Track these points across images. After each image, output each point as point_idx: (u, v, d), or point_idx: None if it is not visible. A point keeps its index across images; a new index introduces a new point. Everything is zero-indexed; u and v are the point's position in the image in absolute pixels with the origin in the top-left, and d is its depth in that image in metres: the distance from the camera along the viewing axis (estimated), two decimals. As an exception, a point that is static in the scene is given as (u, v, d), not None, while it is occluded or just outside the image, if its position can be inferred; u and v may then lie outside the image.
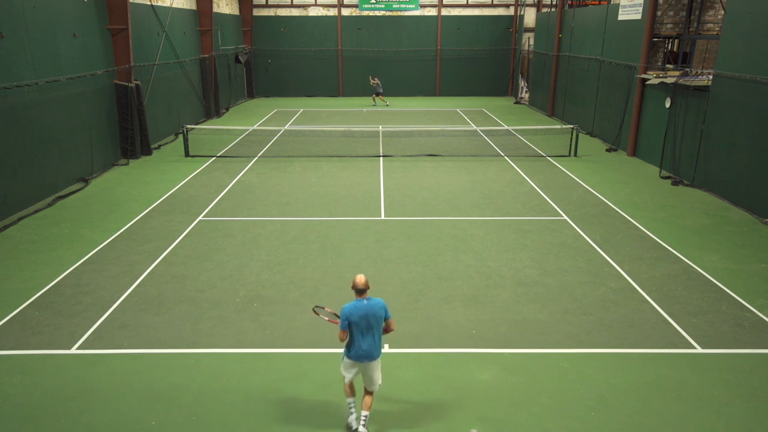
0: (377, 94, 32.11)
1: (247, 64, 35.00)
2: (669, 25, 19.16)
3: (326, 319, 6.20)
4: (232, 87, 32.10)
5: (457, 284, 9.57)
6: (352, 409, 6.15)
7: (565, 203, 14.04)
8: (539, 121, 26.99)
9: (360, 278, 5.82)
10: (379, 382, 6.10)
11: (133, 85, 18.35)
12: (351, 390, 6.15)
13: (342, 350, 6.09)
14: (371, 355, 5.86)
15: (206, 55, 26.86)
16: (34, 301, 8.97)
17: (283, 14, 35.73)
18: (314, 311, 6.25)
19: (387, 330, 6.02)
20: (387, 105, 32.31)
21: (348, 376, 6.02)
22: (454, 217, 13.01)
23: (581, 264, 10.39)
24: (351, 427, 6.10)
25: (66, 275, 9.88)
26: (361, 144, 21.17)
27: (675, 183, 15.90)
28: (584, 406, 6.52)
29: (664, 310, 8.70)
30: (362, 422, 5.99)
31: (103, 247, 11.16)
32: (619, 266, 10.29)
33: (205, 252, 10.92)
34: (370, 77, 32.89)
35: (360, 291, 5.80)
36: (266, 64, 36.36)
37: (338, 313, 5.98)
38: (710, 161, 15.12)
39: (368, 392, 6.08)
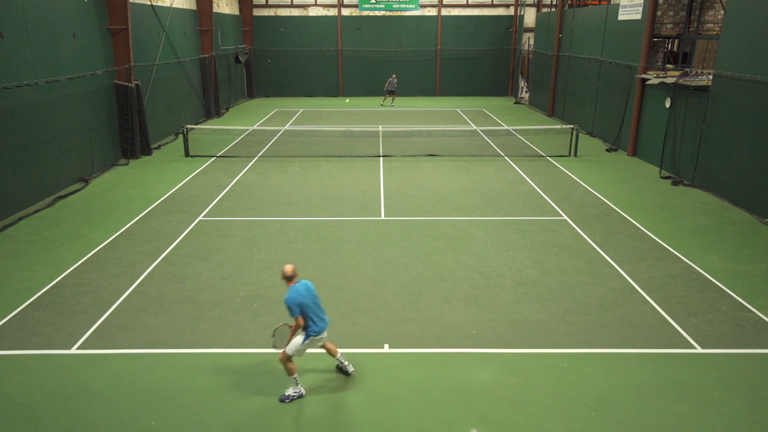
0: (390, 93, 31.98)
1: (247, 64, 35.00)
2: (669, 25, 19.17)
3: (288, 330, 6.73)
4: (232, 87, 32.10)
5: (457, 284, 9.57)
6: (297, 381, 6.73)
7: (565, 203, 14.04)
8: (539, 121, 26.99)
9: (289, 266, 6.55)
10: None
11: (133, 85, 18.35)
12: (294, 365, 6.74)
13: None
14: (326, 321, 6.68)
15: (206, 55, 26.86)
16: (34, 301, 8.97)
17: (283, 14, 35.74)
18: (274, 346, 6.71)
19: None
20: (392, 105, 32.35)
21: (303, 353, 6.67)
22: (454, 217, 13.01)
23: (581, 264, 10.39)
24: (299, 394, 6.70)
25: (66, 275, 9.88)
26: (361, 144, 21.17)
27: (675, 183, 15.90)
28: (584, 406, 6.53)
29: (664, 310, 8.70)
30: (346, 363, 7.05)
31: (103, 247, 11.16)
32: (619, 266, 10.29)
33: (205, 252, 10.92)
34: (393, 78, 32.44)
35: (290, 278, 6.49)
36: (266, 64, 36.35)
37: (285, 323, 6.77)
38: (710, 161, 15.12)
39: (327, 342, 6.94)
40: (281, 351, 6.64)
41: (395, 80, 31.87)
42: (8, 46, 12.86)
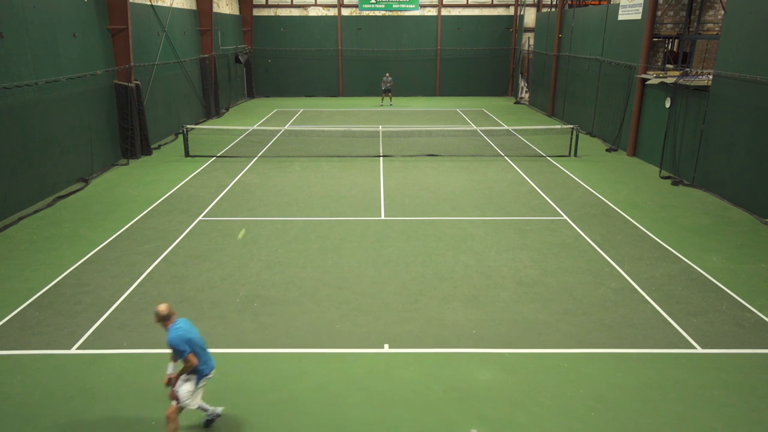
0: (386, 92, 32.02)
1: (247, 64, 34.99)
2: (669, 25, 19.16)
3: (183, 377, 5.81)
4: (232, 87, 32.10)
5: (457, 284, 9.57)
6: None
7: (565, 203, 14.04)
8: (539, 121, 26.98)
9: (162, 305, 5.70)
10: None
11: (133, 85, 18.35)
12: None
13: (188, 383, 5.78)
14: (213, 361, 5.99)
15: (206, 55, 26.86)
16: (34, 301, 8.97)
17: (283, 14, 35.73)
18: (173, 396, 5.82)
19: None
20: (390, 105, 32.38)
21: (198, 400, 5.86)
22: (454, 217, 13.01)
23: (581, 264, 10.39)
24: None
25: (66, 275, 9.88)
26: (361, 144, 21.17)
27: (675, 183, 15.90)
28: (584, 406, 6.53)
29: (664, 310, 8.70)
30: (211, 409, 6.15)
31: (103, 247, 11.16)
32: (619, 266, 10.29)
33: (205, 252, 10.92)
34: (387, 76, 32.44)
35: (166, 317, 5.67)
36: (266, 64, 36.35)
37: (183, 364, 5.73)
38: (710, 161, 15.12)
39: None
40: (171, 405, 5.77)
41: (389, 78, 31.90)
42: (8, 46, 12.86)
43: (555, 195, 14.72)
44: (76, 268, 10.20)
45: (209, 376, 5.90)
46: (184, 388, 5.75)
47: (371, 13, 35.66)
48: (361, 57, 36.26)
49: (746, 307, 8.85)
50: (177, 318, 5.78)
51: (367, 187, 15.45)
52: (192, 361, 5.59)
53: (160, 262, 10.47)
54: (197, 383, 5.80)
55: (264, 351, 7.63)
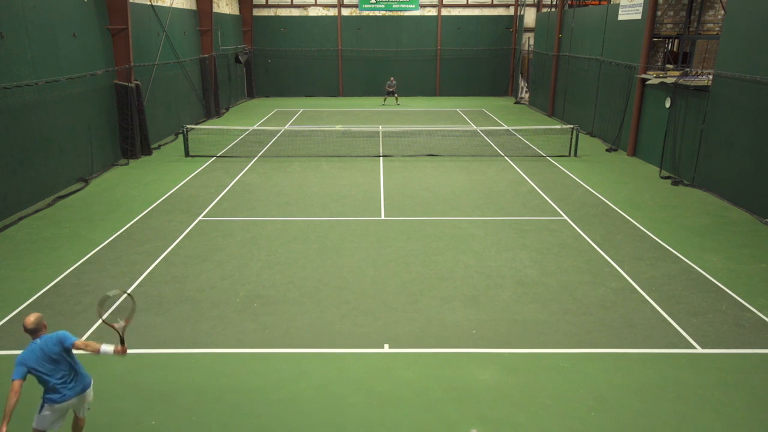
0: (390, 93, 32.25)
1: (247, 64, 34.99)
2: (669, 25, 19.16)
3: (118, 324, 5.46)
4: (232, 87, 32.10)
5: (457, 284, 9.57)
6: None
7: (565, 203, 14.04)
8: (539, 121, 26.98)
9: (29, 318, 5.14)
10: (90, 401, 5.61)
11: (133, 85, 18.35)
12: None
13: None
14: (84, 385, 5.40)
15: (206, 55, 26.86)
16: (34, 301, 8.97)
17: (283, 14, 35.73)
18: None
19: (87, 349, 5.30)
20: (398, 104, 32.48)
21: (48, 424, 5.31)
22: (454, 217, 13.01)
23: (581, 264, 10.39)
24: None
25: (66, 275, 9.88)
26: (361, 144, 21.17)
27: (675, 183, 15.90)
28: (584, 406, 6.53)
29: (664, 310, 8.70)
30: None
31: (103, 247, 11.16)
32: (619, 266, 10.29)
33: (205, 252, 10.92)
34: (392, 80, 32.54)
35: (32, 331, 5.14)
36: (266, 64, 36.35)
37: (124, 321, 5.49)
38: (710, 161, 15.12)
39: (79, 419, 5.65)
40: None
41: (393, 82, 32.07)
42: (8, 46, 12.86)
43: (555, 195, 14.72)
44: (76, 268, 10.20)
45: (60, 405, 5.26)
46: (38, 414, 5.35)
47: (371, 13, 35.67)
48: (361, 57, 36.27)
49: (746, 307, 8.85)
50: (43, 334, 5.20)
51: (367, 187, 15.45)
52: (13, 388, 4.91)
53: (160, 262, 10.47)
54: (40, 409, 5.30)
55: (264, 351, 7.63)
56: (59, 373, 5.22)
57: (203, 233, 11.92)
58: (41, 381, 5.20)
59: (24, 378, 5.04)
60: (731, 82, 14.29)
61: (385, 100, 33.20)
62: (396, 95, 32.44)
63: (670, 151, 16.97)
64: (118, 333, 5.40)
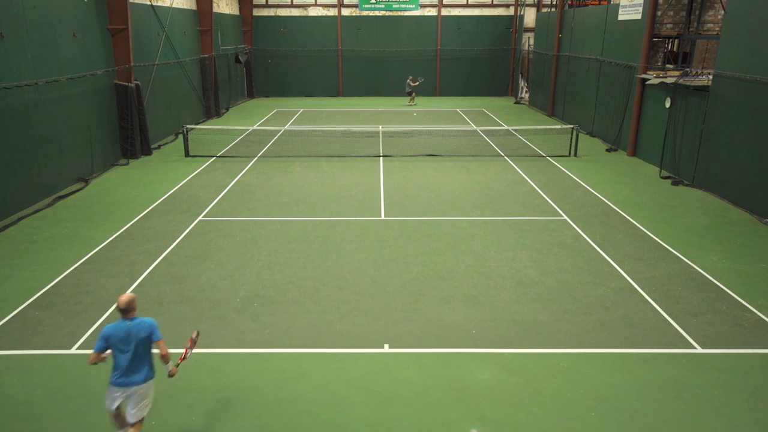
0: (408, 93, 32.27)
1: (247, 64, 34.99)
2: (669, 25, 19.16)
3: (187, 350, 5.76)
4: (232, 87, 32.10)
5: (457, 284, 9.57)
6: None
7: (565, 203, 14.04)
8: (539, 121, 26.98)
9: (122, 298, 5.36)
10: (144, 413, 5.55)
11: (133, 85, 18.35)
12: (119, 421, 5.57)
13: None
14: (132, 380, 5.37)
15: (206, 55, 26.86)
16: (34, 301, 8.97)
17: (283, 14, 35.73)
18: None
19: (160, 355, 5.45)
20: (410, 104, 32.50)
21: (108, 403, 5.44)
22: (454, 217, 13.01)
23: (581, 264, 10.39)
24: None
25: (66, 275, 9.88)
26: (361, 144, 21.17)
27: (675, 183, 15.90)
28: (584, 406, 6.53)
29: (664, 310, 8.70)
30: None
31: (103, 247, 11.16)
32: (619, 266, 10.29)
33: (205, 252, 10.92)
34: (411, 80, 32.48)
35: (123, 311, 5.36)
36: (266, 64, 36.35)
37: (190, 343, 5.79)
38: (710, 161, 15.12)
39: (132, 425, 5.52)
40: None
41: (410, 81, 31.95)
42: (8, 46, 12.86)
43: (555, 195, 14.72)
44: (76, 268, 10.19)
45: (112, 387, 5.40)
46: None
47: (371, 13, 35.67)
48: (361, 57, 36.27)
49: (746, 307, 8.85)
50: (133, 317, 5.43)
51: (367, 187, 15.45)
52: (90, 359, 5.28)
53: (160, 262, 10.47)
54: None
55: (264, 351, 7.63)
56: (126, 357, 5.35)
57: (203, 233, 11.92)
58: (113, 357, 5.40)
59: (101, 352, 5.31)
60: (731, 82, 14.29)
61: (410, 100, 32.83)
62: (413, 94, 32.17)
63: (670, 151, 16.98)
64: (185, 353, 5.75)
